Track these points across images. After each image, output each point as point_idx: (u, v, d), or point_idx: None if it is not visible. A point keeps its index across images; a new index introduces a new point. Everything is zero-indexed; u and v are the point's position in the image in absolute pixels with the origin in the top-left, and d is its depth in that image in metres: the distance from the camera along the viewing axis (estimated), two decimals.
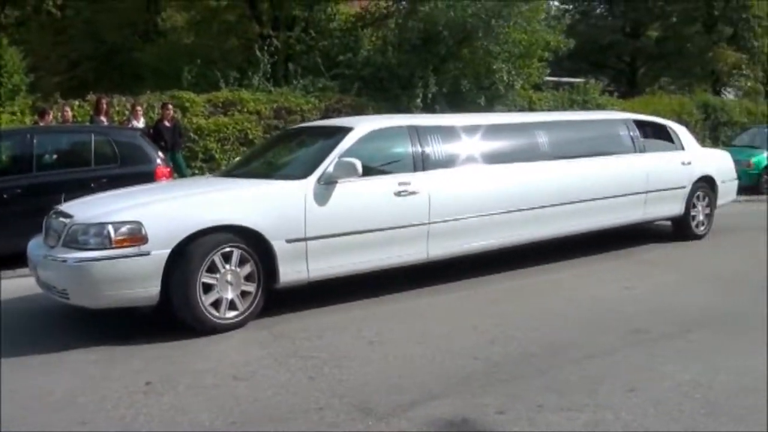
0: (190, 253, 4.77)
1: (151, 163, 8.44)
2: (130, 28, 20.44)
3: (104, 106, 10.66)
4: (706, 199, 8.61)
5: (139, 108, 11.01)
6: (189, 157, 11.56)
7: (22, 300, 6.22)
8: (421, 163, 6.07)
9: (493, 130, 6.98)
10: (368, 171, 5.63)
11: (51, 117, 10.57)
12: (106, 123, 10.37)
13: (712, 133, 18.79)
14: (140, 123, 10.81)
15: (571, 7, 29.73)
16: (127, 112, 11.40)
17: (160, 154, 8.85)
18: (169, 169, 8.70)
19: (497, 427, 3.34)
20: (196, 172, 11.52)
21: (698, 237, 8.48)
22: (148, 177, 7.93)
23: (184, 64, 15.02)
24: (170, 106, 11.21)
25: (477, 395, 3.71)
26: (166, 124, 10.89)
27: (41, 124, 10.19)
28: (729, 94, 29.18)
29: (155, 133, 10.53)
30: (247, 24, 17.75)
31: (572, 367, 4.12)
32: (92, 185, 7.64)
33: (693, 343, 4.56)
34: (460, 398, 3.67)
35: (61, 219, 5.11)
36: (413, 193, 5.84)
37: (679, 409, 3.50)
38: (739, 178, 9.76)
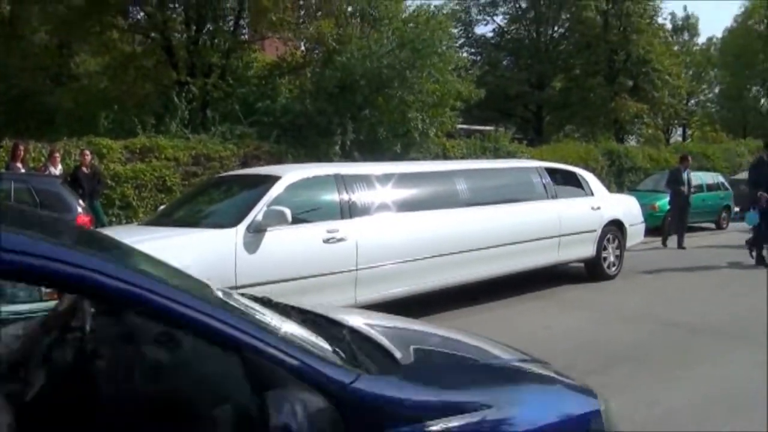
0: None
1: (72, 212, 8.18)
2: (41, 71, 19.85)
3: (21, 152, 10.25)
4: (616, 242, 9.10)
5: (57, 154, 10.68)
6: (105, 204, 11.24)
7: None
8: (348, 211, 6.21)
9: (416, 178, 7.24)
10: (297, 219, 5.72)
11: None
12: (22, 170, 9.99)
13: (617, 179, 19.72)
14: (57, 170, 10.48)
15: (479, 58, 30.94)
16: (43, 159, 11.01)
17: (81, 202, 8.61)
18: (89, 218, 8.45)
19: None
20: (113, 220, 11.22)
21: (610, 277, 8.93)
22: None
23: (100, 109, 14.65)
24: (88, 152, 10.95)
25: None
26: (84, 170, 10.62)
27: None
28: (631, 141, 30.94)
29: (73, 180, 10.24)
30: (163, 70, 17.52)
31: None
32: None
33: (614, 378, 4.82)
34: None
35: None
36: (341, 240, 5.96)
37: None
38: (645, 220, 10.37)
